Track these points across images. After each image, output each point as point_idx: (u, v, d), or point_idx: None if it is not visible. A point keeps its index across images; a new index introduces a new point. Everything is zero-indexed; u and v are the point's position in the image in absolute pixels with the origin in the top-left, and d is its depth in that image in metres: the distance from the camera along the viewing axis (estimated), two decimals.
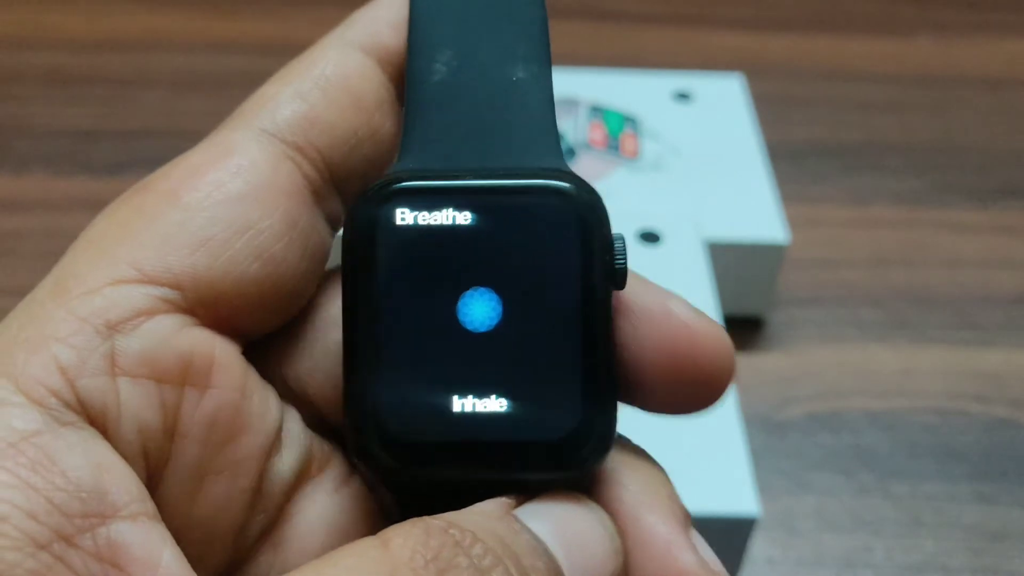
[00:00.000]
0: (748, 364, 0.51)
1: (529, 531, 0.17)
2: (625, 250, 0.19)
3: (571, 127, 0.55)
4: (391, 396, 0.18)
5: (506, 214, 0.19)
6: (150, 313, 0.18)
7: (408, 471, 0.18)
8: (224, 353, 0.19)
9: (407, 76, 0.21)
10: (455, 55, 0.21)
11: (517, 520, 0.17)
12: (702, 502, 0.39)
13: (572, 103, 0.56)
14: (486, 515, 0.17)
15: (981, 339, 0.53)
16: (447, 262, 0.19)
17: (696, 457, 0.41)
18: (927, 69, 0.70)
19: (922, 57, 0.71)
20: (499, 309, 0.19)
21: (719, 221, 0.50)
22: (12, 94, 0.65)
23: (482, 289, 0.19)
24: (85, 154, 0.60)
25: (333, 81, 0.21)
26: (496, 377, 0.19)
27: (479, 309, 0.19)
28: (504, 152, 0.20)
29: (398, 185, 0.19)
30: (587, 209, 0.19)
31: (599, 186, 0.52)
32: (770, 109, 0.62)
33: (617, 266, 0.19)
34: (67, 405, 0.17)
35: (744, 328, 0.52)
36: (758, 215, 0.51)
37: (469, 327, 0.19)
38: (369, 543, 0.16)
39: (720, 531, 0.40)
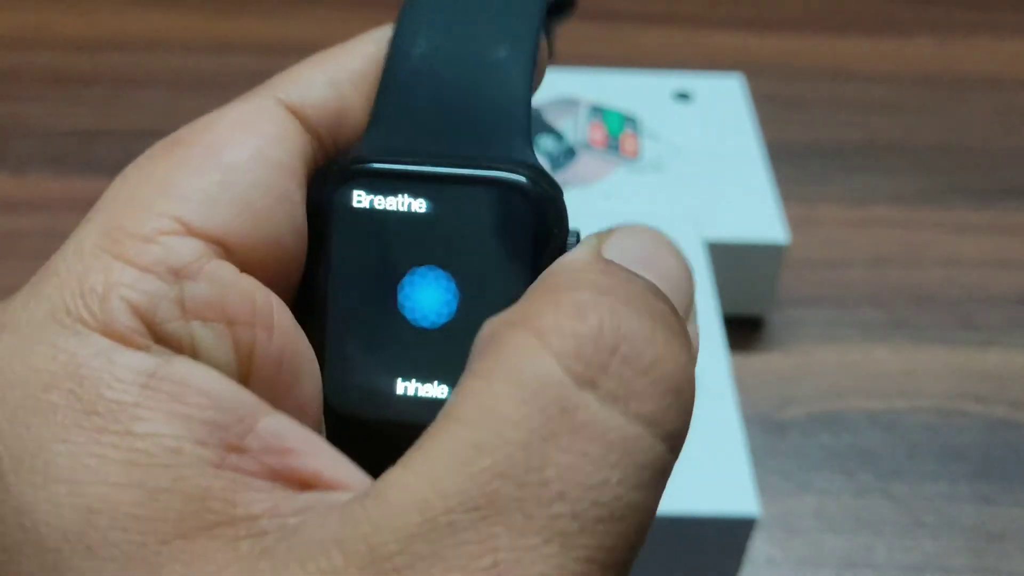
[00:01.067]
0: (748, 364, 0.51)
1: (636, 276, 0.17)
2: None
3: (571, 127, 0.55)
4: (336, 377, 0.19)
5: (460, 204, 0.19)
6: (208, 258, 0.17)
7: (351, 447, 0.18)
8: (276, 299, 0.18)
9: (387, 52, 0.20)
10: (441, 33, 0.20)
11: (622, 269, 0.17)
12: (702, 502, 0.39)
13: (572, 103, 0.56)
14: (585, 267, 0.17)
15: (981, 339, 0.53)
16: (399, 248, 0.19)
17: (696, 457, 0.41)
18: (928, 69, 0.70)
19: (922, 57, 0.71)
20: (450, 300, 0.19)
21: (719, 221, 0.50)
22: (12, 94, 0.64)
23: (433, 276, 0.19)
24: (85, 154, 0.60)
25: (367, 78, 0.20)
26: (441, 366, 0.19)
27: (428, 299, 0.19)
28: (470, 137, 0.20)
29: (356, 167, 0.19)
30: (542, 205, 0.19)
31: (599, 186, 0.52)
32: (770, 109, 0.62)
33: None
34: (158, 343, 0.17)
35: (744, 328, 0.52)
36: (758, 215, 0.51)
37: (416, 317, 0.19)
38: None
39: (720, 531, 0.40)
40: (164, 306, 0.17)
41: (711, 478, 0.40)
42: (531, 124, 0.20)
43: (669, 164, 0.54)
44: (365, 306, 0.19)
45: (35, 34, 0.69)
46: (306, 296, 0.19)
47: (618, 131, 0.55)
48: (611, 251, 0.17)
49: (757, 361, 0.51)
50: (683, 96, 0.58)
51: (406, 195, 0.19)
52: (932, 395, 0.50)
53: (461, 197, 0.19)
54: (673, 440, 0.16)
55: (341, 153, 0.20)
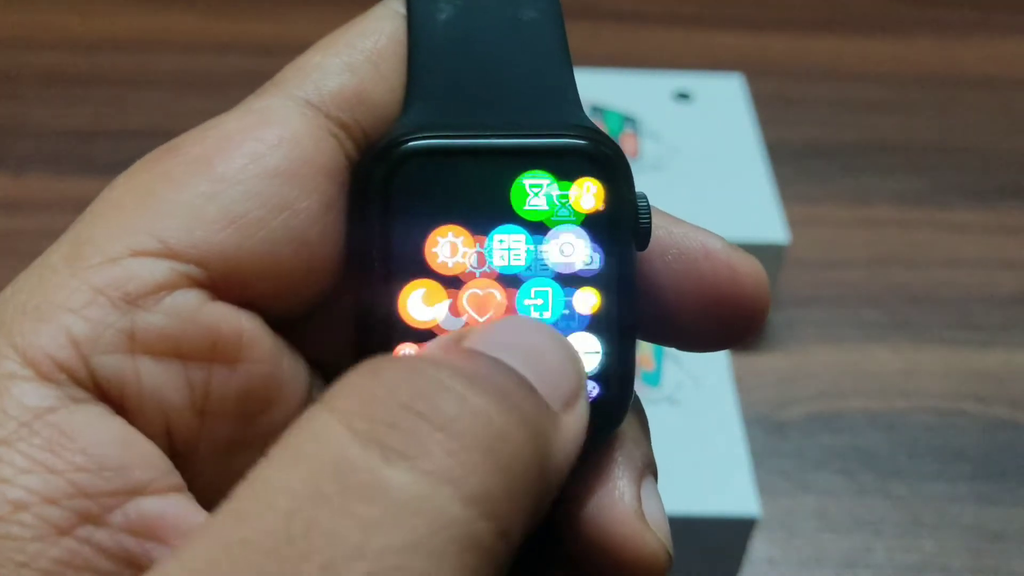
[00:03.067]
0: (748, 364, 0.51)
1: (481, 353, 0.16)
2: (649, 209, 0.18)
3: None
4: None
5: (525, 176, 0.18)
6: (171, 287, 0.16)
7: None
8: (252, 326, 0.17)
9: (408, 17, 0.19)
10: None
11: (466, 349, 0.16)
12: (703, 503, 0.39)
13: None
14: (439, 346, 0.16)
15: (981, 339, 0.53)
16: (465, 228, 0.18)
17: (697, 458, 0.41)
18: (928, 69, 0.70)
19: (923, 57, 0.71)
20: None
21: (719, 221, 0.50)
22: (11, 94, 0.64)
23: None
24: (85, 154, 0.60)
25: (385, 55, 0.19)
26: None
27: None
28: (518, 103, 0.19)
29: (409, 145, 0.18)
30: (611, 169, 0.18)
31: None
32: (770, 109, 0.62)
33: (642, 226, 0.18)
34: (78, 382, 0.16)
35: None
36: (758, 215, 0.51)
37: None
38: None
39: (720, 531, 0.40)
40: (109, 336, 0.16)
41: (711, 478, 0.40)
42: (576, 85, 0.19)
43: (669, 164, 0.54)
44: (430, 285, 0.18)
45: (34, 34, 0.69)
46: (364, 285, 0.18)
47: (618, 131, 0.55)
48: (470, 340, 0.16)
49: (757, 361, 0.51)
50: (683, 96, 0.58)
51: (467, 171, 0.18)
52: (932, 395, 0.50)
53: (526, 167, 0.18)
54: (483, 504, 0.14)
55: (377, 136, 0.19)
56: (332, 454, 0.13)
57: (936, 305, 0.55)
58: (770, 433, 0.48)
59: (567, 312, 0.18)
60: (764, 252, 0.50)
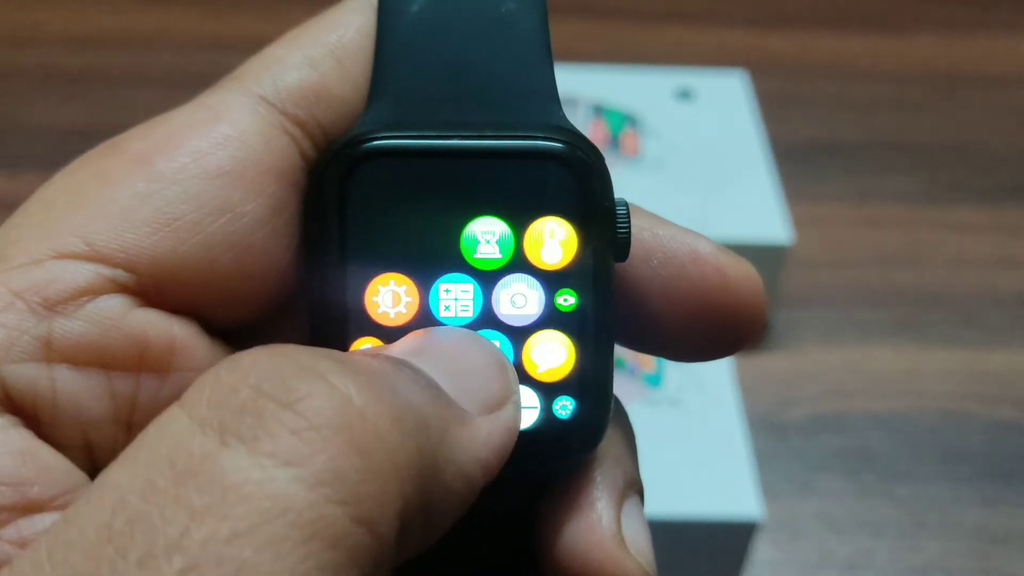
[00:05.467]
0: (751, 365, 0.50)
1: (390, 356, 0.15)
2: (628, 218, 0.17)
3: None
4: None
5: (493, 180, 0.17)
6: (95, 292, 0.16)
7: None
8: (185, 333, 0.17)
9: (379, 8, 0.18)
10: None
11: (384, 353, 0.15)
12: (705, 505, 0.39)
13: (572, 102, 0.56)
14: (359, 351, 0.15)
15: (985, 340, 0.53)
16: (426, 235, 0.17)
17: (699, 460, 0.40)
18: (932, 67, 0.70)
19: (927, 55, 0.71)
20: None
21: (721, 221, 0.50)
22: (7, 92, 0.64)
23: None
24: (79, 153, 0.60)
25: (350, 50, 0.18)
26: None
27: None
28: (490, 99, 0.17)
29: (369, 145, 0.16)
30: (586, 174, 0.17)
31: None
32: (773, 107, 0.62)
33: (620, 237, 0.17)
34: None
35: None
36: (761, 215, 0.51)
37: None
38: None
39: (723, 534, 0.39)
40: (23, 343, 0.15)
41: (714, 481, 0.40)
42: (556, 82, 0.18)
43: (671, 163, 0.53)
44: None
45: (30, 32, 0.69)
46: (317, 295, 0.17)
47: (619, 130, 0.55)
48: (389, 348, 0.16)
49: (759, 362, 0.51)
50: (685, 94, 0.57)
51: (431, 173, 0.16)
52: (936, 396, 0.50)
53: (493, 172, 0.17)
54: (331, 487, 0.12)
55: (337, 134, 0.17)
56: (169, 444, 0.13)
57: (940, 305, 0.54)
58: (772, 435, 0.48)
59: (545, 311, 0.17)
60: (767, 252, 0.50)
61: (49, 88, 0.65)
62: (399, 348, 0.16)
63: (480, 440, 0.15)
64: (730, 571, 0.41)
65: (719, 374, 0.44)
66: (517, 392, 0.16)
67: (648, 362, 0.44)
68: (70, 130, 0.62)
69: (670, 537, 0.39)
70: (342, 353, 0.14)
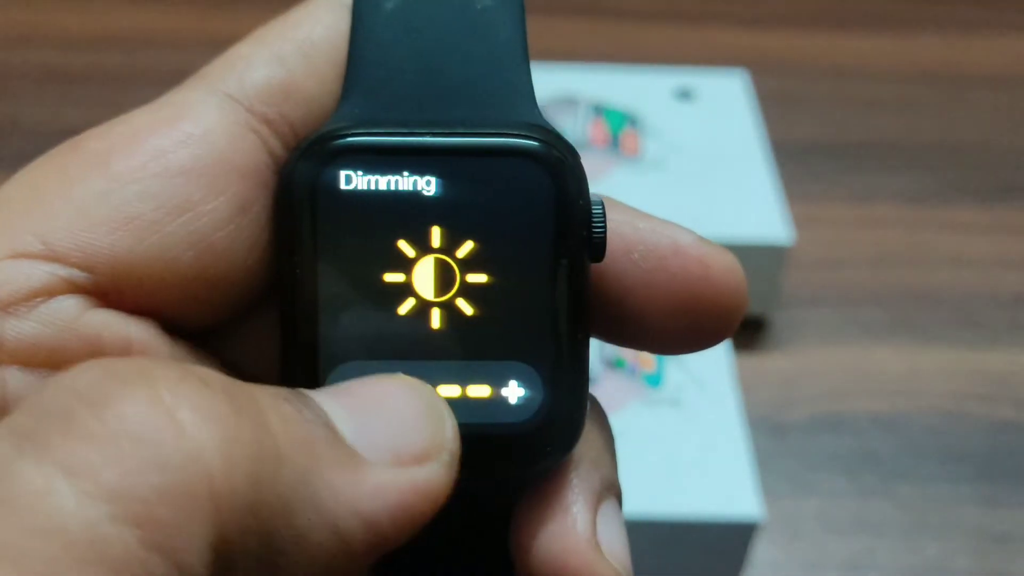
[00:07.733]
0: (751, 365, 0.50)
1: (303, 394, 0.15)
2: (604, 217, 0.17)
3: (571, 126, 0.54)
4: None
5: (464, 179, 0.16)
6: (49, 292, 0.15)
7: None
8: (144, 335, 0.16)
9: (353, 4, 0.18)
10: None
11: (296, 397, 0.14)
12: (705, 505, 0.39)
13: (572, 101, 0.56)
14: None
15: (986, 339, 0.53)
16: (399, 234, 0.16)
17: (699, 460, 0.40)
18: (932, 67, 0.70)
19: (927, 55, 0.71)
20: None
21: (722, 221, 0.50)
22: (6, 92, 0.64)
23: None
24: None
25: (320, 47, 0.17)
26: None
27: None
28: (465, 97, 0.17)
29: (342, 141, 0.16)
30: (561, 173, 0.17)
31: (600, 186, 0.52)
32: (773, 107, 0.62)
33: (595, 237, 0.17)
34: None
35: (747, 329, 0.52)
36: (761, 214, 0.51)
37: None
38: None
39: (722, 535, 0.39)
40: None
41: (713, 481, 0.40)
42: (532, 80, 0.18)
43: (671, 163, 0.53)
44: (362, 302, 0.16)
45: (29, 32, 0.69)
46: (287, 294, 0.17)
47: (619, 129, 0.55)
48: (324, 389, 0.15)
49: (760, 362, 0.51)
50: (685, 94, 0.57)
51: (404, 172, 0.16)
52: (936, 396, 0.50)
53: (465, 171, 0.16)
54: (118, 504, 0.11)
55: (307, 133, 0.17)
56: None
57: (940, 305, 0.54)
58: (772, 435, 0.48)
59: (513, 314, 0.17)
60: (767, 252, 0.50)
61: (49, 87, 0.65)
62: (333, 387, 0.15)
63: (363, 491, 0.14)
64: (730, 571, 0.41)
65: (719, 374, 0.44)
66: (450, 452, 0.15)
67: (648, 362, 0.44)
68: (70, 130, 0.61)
69: (670, 537, 0.39)
70: (211, 372, 0.13)
